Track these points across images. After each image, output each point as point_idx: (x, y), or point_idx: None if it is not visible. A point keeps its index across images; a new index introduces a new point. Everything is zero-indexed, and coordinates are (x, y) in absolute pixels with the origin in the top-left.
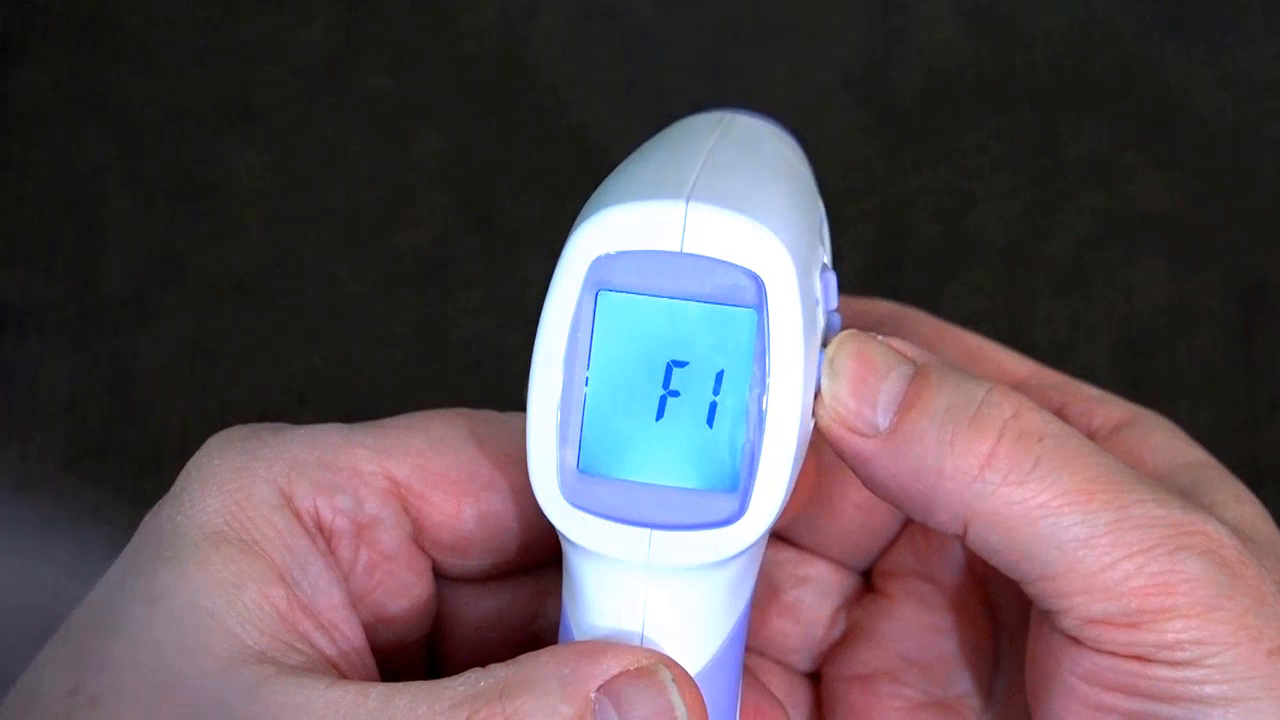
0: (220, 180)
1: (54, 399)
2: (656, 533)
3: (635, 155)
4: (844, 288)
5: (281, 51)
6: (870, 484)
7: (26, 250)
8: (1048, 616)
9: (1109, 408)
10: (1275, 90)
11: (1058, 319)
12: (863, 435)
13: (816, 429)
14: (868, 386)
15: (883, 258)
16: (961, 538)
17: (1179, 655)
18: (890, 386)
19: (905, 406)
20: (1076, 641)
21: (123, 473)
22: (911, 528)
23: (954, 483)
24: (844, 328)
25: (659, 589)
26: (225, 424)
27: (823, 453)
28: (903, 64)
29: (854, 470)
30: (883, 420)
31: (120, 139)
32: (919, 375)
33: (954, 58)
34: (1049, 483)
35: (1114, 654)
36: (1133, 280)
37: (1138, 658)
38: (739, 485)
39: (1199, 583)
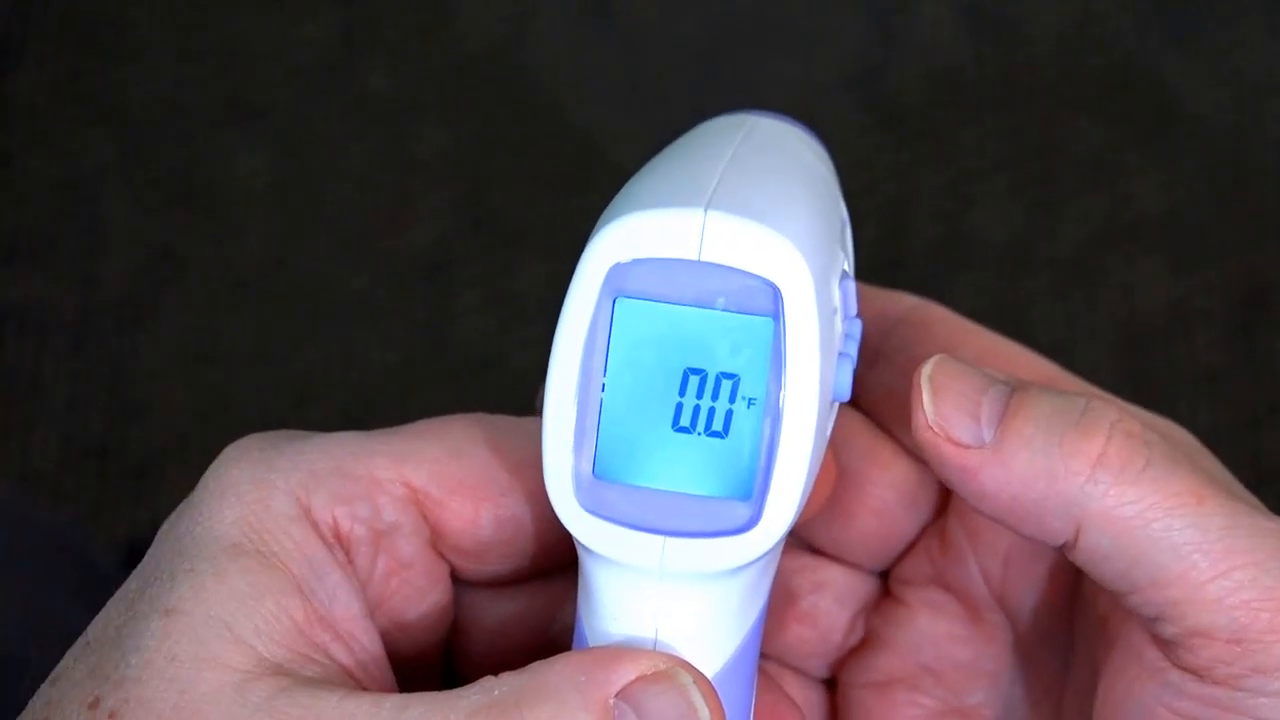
0: (220, 180)
1: (54, 399)
2: (670, 540)
3: (658, 159)
4: None
5: (281, 51)
6: (976, 498)
7: (26, 250)
8: (1149, 623)
9: None
10: (1275, 90)
11: (1058, 319)
12: (967, 448)
13: (834, 429)
14: (969, 400)
15: (883, 258)
16: (1070, 548)
17: (1274, 685)
18: (991, 400)
19: (1010, 416)
20: (1171, 661)
21: (123, 473)
22: (929, 536)
23: (1066, 484)
24: (866, 321)
25: (672, 595)
26: (225, 424)
27: (840, 455)
28: (903, 64)
29: (957, 486)
30: (987, 433)
31: (120, 139)
32: (1019, 390)
33: (954, 58)
34: (1161, 484)
35: (1207, 677)
36: (1133, 280)
37: (1230, 684)
38: (753, 493)
39: None
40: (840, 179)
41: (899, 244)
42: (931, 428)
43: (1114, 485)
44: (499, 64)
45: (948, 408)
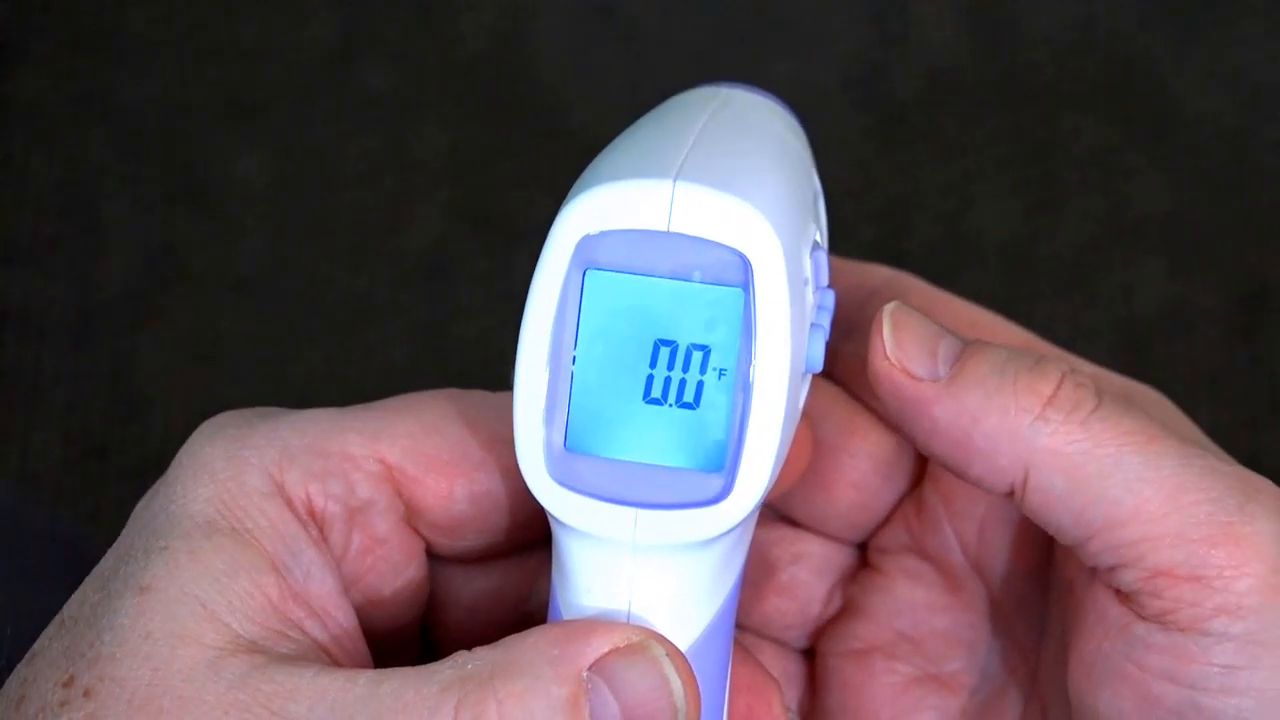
0: (220, 180)
1: (54, 399)
2: (642, 512)
3: (629, 131)
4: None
5: (281, 51)
6: (928, 433)
7: (26, 250)
8: (1110, 576)
9: (1105, 383)
10: (1275, 90)
11: (1058, 319)
12: (922, 381)
13: (810, 401)
14: (927, 339)
15: (883, 258)
16: (1019, 492)
17: (1236, 627)
18: (948, 343)
19: (966, 357)
20: (1136, 614)
21: (123, 473)
22: (906, 505)
23: (1017, 421)
24: (841, 293)
25: (645, 568)
26: None
27: (817, 428)
28: (903, 64)
29: (908, 421)
30: (943, 370)
31: (120, 139)
32: (975, 341)
33: (954, 58)
34: (1111, 424)
35: (1171, 624)
36: (1133, 280)
37: (1196, 629)
38: (725, 465)
39: (1270, 539)
40: (839, 179)
41: (899, 244)
42: (889, 358)
43: (1063, 424)
44: (499, 64)
45: (907, 341)
